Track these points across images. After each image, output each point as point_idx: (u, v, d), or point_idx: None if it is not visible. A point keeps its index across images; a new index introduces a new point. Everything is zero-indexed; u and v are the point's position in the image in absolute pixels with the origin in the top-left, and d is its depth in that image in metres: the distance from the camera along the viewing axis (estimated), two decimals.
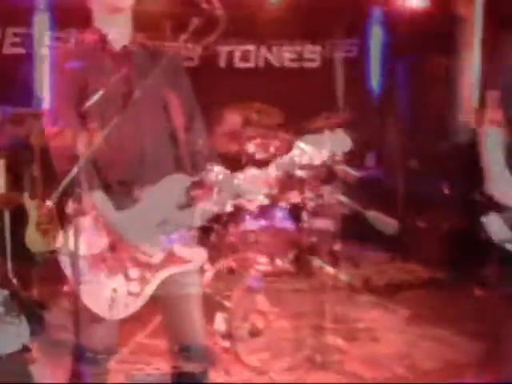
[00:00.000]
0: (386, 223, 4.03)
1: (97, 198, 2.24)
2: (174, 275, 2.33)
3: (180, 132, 2.39)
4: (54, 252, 2.18)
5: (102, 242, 2.28)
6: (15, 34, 5.11)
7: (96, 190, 2.25)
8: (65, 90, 2.29)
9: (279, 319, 3.69)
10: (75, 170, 2.02)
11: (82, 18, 2.43)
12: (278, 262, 4.09)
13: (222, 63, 5.75)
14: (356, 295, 4.72)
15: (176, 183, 2.35)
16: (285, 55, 5.85)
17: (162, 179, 2.32)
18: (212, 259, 3.68)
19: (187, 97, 2.49)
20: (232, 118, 4.74)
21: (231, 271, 3.89)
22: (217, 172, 2.31)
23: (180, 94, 2.45)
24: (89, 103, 2.11)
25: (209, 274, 3.71)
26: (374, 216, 4.02)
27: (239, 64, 5.79)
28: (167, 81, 2.38)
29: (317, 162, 2.25)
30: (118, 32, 2.39)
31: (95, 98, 2.13)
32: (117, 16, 2.36)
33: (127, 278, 2.30)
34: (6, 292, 3.49)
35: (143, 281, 2.30)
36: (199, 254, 2.37)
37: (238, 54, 5.76)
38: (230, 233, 3.94)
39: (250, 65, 5.82)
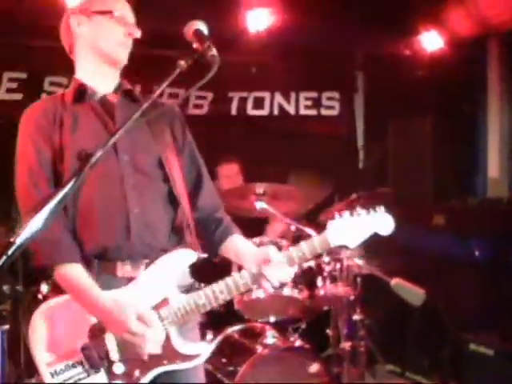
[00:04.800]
0: (413, 293, 3.59)
1: (75, 274, 1.87)
2: (171, 373, 1.92)
3: (181, 197, 2.00)
4: None
5: (80, 329, 1.88)
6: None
7: (75, 263, 1.88)
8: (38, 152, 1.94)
9: None
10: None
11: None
12: (289, 333, 3.66)
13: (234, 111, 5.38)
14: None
15: (181, 260, 1.96)
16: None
17: (164, 256, 1.94)
18: (213, 329, 3.17)
19: (191, 156, 2.13)
20: (229, 169, 4.36)
21: (236, 343, 3.44)
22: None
23: (181, 153, 2.09)
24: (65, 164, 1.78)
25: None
26: (399, 284, 3.59)
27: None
28: (162, 136, 2.03)
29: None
30: (104, 82, 2.06)
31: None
32: (112, 68, 2.06)
33: (110, 374, 1.89)
34: None
35: (130, 378, 1.89)
36: (204, 349, 1.95)
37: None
38: (235, 299, 3.40)
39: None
